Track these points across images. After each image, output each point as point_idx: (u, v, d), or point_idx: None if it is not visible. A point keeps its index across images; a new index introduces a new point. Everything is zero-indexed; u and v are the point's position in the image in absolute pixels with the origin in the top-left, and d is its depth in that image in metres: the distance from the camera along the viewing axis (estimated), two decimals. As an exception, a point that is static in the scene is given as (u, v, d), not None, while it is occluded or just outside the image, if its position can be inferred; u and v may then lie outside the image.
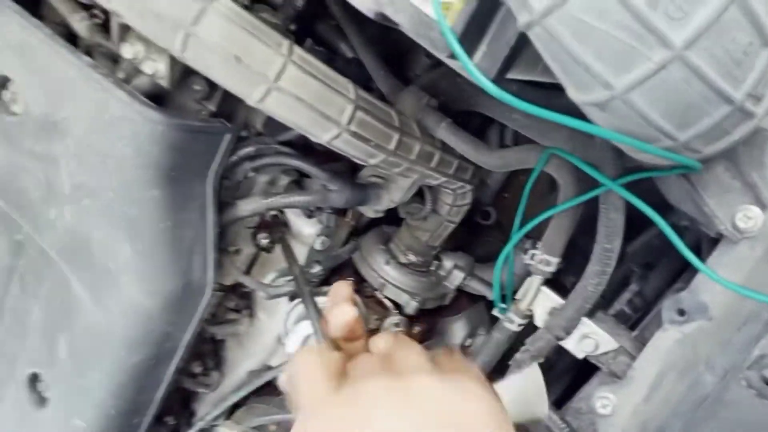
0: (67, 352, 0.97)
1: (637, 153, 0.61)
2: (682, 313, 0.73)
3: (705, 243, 0.82)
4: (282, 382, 1.27)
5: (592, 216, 0.87)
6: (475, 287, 1.22)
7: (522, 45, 0.61)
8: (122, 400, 0.98)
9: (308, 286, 0.96)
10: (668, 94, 0.52)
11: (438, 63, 1.08)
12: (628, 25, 0.49)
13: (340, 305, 0.71)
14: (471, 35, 0.60)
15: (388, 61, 1.04)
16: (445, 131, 0.92)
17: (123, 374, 0.94)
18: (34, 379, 1.06)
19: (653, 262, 1.15)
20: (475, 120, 1.18)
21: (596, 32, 0.49)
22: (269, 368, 1.25)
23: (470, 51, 0.61)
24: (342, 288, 0.78)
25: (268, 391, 1.38)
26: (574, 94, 0.56)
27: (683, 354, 0.72)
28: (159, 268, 0.85)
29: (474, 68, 0.56)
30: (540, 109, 0.56)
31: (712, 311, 0.71)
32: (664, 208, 0.82)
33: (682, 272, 0.97)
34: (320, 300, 1.12)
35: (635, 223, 1.23)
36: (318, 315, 0.77)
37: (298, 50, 0.74)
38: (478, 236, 1.43)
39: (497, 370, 0.99)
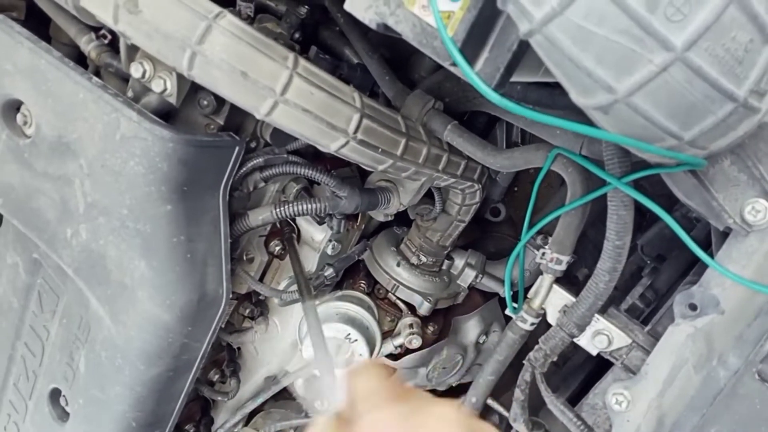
0: (86, 367, 0.98)
1: (643, 153, 0.62)
2: (693, 307, 0.73)
3: (714, 237, 0.82)
4: (299, 388, 1.29)
5: (602, 207, 0.87)
6: (488, 285, 1.22)
7: (524, 49, 0.62)
8: (142, 413, 0.99)
9: (310, 295, 0.96)
10: (671, 95, 0.52)
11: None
12: (628, 29, 0.49)
13: None
14: (472, 43, 0.61)
15: (392, 63, 1.05)
16: (451, 134, 0.92)
17: (142, 387, 0.95)
18: (55, 394, 1.07)
19: (665, 253, 1.15)
20: (481, 118, 1.18)
21: (596, 38, 0.50)
22: (286, 374, 1.26)
23: (472, 58, 0.62)
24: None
25: (286, 396, 1.40)
26: (577, 98, 0.56)
27: (696, 348, 0.73)
28: (174, 282, 0.87)
29: (475, 77, 0.56)
30: (542, 115, 0.56)
31: (723, 305, 0.71)
32: (675, 200, 0.82)
33: (694, 263, 0.97)
34: (330, 305, 1.14)
35: (647, 214, 1.23)
36: (318, 324, 0.76)
37: (303, 62, 0.75)
38: (489, 233, 1.44)
39: (512, 369, 1.00)
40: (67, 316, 0.99)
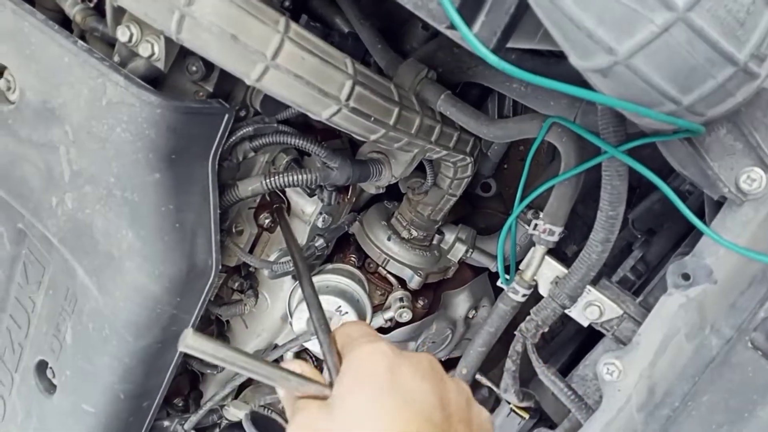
0: (74, 338, 0.97)
1: (639, 119, 0.61)
2: (686, 277, 0.73)
3: (708, 207, 0.82)
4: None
5: (592, 183, 0.87)
6: (478, 259, 1.22)
7: (521, 13, 0.61)
8: (131, 385, 0.98)
9: (305, 265, 0.94)
10: (672, 57, 0.51)
11: (434, 34, 1.07)
12: (630, -12, 0.48)
13: None
14: (470, 4, 0.59)
15: (384, 33, 1.03)
16: (444, 103, 0.91)
17: (130, 359, 0.94)
18: (41, 366, 1.06)
19: (655, 228, 1.15)
20: (474, 91, 1.17)
21: (598, -3, 0.49)
22: (275, 347, 1.26)
23: (469, 21, 0.61)
24: None
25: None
26: (576, 60, 0.55)
27: (688, 318, 0.73)
28: (163, 252, 0.85)
29: (474, 38, 0.55)
30: (542, 78, 0.55)
31: (716, 274, 0.71)
32: (667, 172, 0.82)
33: (684, 237, 0.97)
34: (321, 278, 1.13)
35: (637, 188, 1.23)
36: (315, 297, 0.74)
37: (294, 26, 0.73)
38: (479, 209, 1.44)
39: (502, 341, 1.00)
40: (53, 287, 0.98)
